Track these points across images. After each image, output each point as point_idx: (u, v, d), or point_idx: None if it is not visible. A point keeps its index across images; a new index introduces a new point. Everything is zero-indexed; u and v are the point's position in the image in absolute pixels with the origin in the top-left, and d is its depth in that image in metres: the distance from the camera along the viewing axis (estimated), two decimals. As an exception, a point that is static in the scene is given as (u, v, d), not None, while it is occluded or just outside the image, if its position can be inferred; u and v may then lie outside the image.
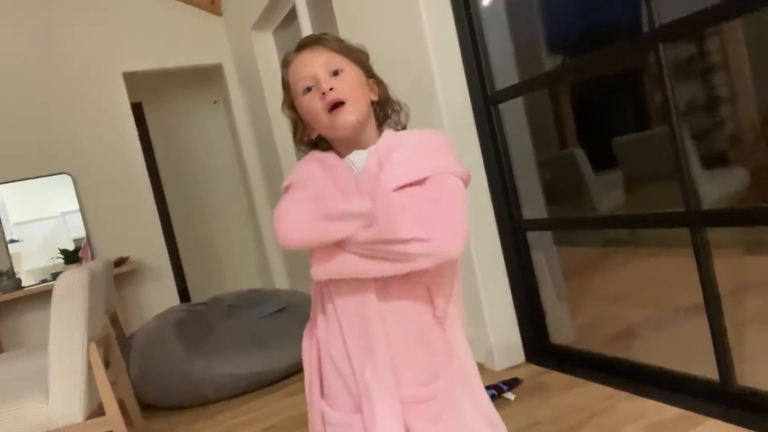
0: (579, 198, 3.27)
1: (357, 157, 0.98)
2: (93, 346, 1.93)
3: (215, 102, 5.13)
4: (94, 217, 3.99)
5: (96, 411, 2.00)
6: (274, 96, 4.07)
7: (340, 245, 0.89)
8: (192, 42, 4.36)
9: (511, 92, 2.16)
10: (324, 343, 0.99)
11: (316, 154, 1.01)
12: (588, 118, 3.29)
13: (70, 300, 1.87)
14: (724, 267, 1.73)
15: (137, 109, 4.42)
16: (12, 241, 3.81)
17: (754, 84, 2.61)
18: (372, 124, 1.01)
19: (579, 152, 3.32)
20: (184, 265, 5.05)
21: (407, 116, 1.05)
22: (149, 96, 4.91)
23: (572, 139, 3.42)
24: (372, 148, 0.98)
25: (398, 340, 0.93)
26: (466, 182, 0.95)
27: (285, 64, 1.01)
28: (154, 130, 5.01)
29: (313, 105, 0.95)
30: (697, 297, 2.38)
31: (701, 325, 2.18)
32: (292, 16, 3.70)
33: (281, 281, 4.61)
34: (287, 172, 4.04)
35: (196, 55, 4.39)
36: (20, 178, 3.81)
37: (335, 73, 0.95)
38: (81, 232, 3.96)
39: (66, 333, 1.86)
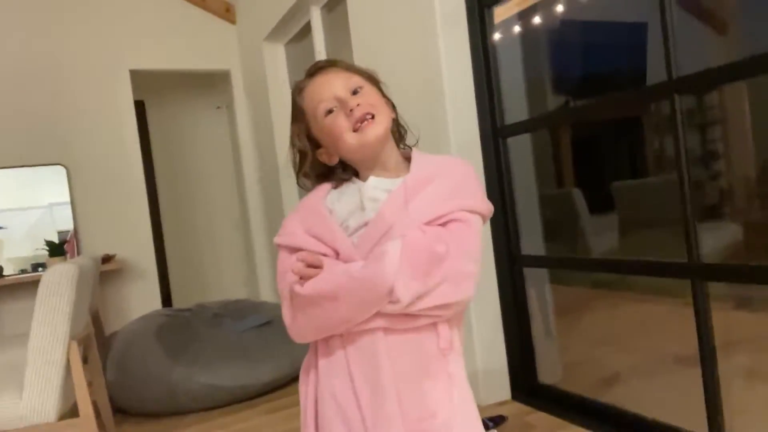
0: (573, 237, 3.29)
1: (378, 183, 0.96)
2: (74, 344, 1.88)
3: (218, 107, 5.12)
4: (84, 211, 3.93)
5: (69, 412, 1.94)
6: (280, 108, 4.06)
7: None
8: (202, 46, 4.36)
9: (520, 127, 2.17)
10: (325, 381, 0.95)
11: (305, 204, 1.00)
12: (588, 160, 3.32)
13: (56, 295, 1.82)
14: (714, 321, 1.73)
15: (139, 107, 4.39)
16: (-6, 228, 3.74)
17: (753, 141, 2.66)
18: (392, 141, 1.00)
19: (577, 192, 3.34)
20: (170, 269, 4.97)
21: (416, 138, 1.05)
22: (153, 95, 4.89)
23: (571, 178, 3.45)
24: (399, 181, 0.95)
25: (402, 372, 0.90)
26: (486, 217, 0.94)
27: (298, 91, 0.99)
28: (154, 130, 4.98)
29: (337, 125, 0.93)
30: (686, 348, 2.37)
31: (689, 377, 2.18)
32: (305, 30, 3.73)
33: (267, 293, 4.56)
34: (286, 187, 4.04)
35: (205, 60, 4.39)
36: (14, 165, 3.75)
37: (355, 92, 0.95)
38: (67, 225, 3.89)
39: (48, 329, 1.81)
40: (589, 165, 3.34)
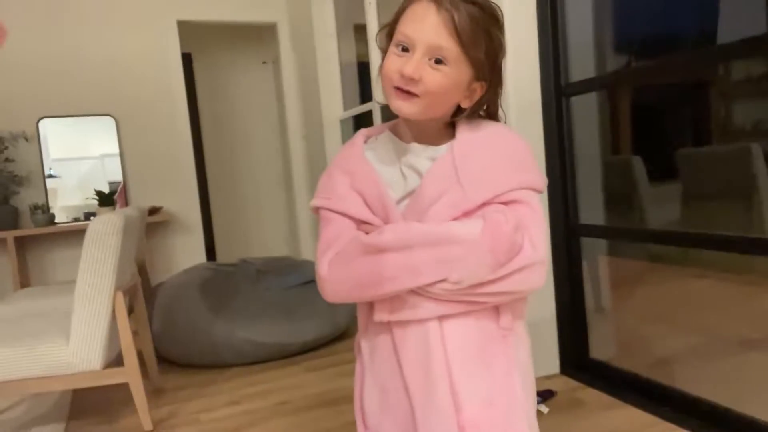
0: (631, 207, 3.11)
1: (422, 151, 0.85)
2: (120, 294, 1.88)
3: (264, 62, 5.04)
4: (132, 163, 3.97)
5: (114, 360, 1.96)
6: (327, 64, 3.95)
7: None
8: (249, -3, 4.26)
9: (588, 85, 2.00)
10: (370, 365, 0.88)
11: (346, 158, 0.90)
12: (650, 125, 3.11)
13: (102, 245, 1.81)
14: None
15: (186, 60, 4.34)
16: (50, 176, 3.82)
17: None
18: (442, 123, 0.87)
19: (637, 160, 3.15)
20: (214, 223, 5.02)
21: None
22: (199, 48, 4.84)
23: (631, 145, 3.25)
24: (444, 148, 0.84)
25: (458, 357, 0.81)
26: (541, 191, 0.84)
27: (409, 1, 0.82)
28: (201, 83, 4.95)
29: (390, 68, 0.81)
30: (753, 330, 2.22)
31: (754, 361, 2.03)
32: (356, -20, 3.56)
33: (308, 251, 4.55)
34: (330, 145, 3.96)
35: (253, 12, 4.29)
36: (65, 114, 3.79)
37: (438, 61, 0.78)
38: (117, 176, 3.94)
39: (94, 278, 1.81)
40: (651, 131, 3.13)
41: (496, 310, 0.84)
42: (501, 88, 0.86)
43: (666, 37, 2.78)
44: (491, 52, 0.81)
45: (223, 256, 4.90)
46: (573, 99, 2.06)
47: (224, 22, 4.26)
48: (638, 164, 3.25)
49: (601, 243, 2.34)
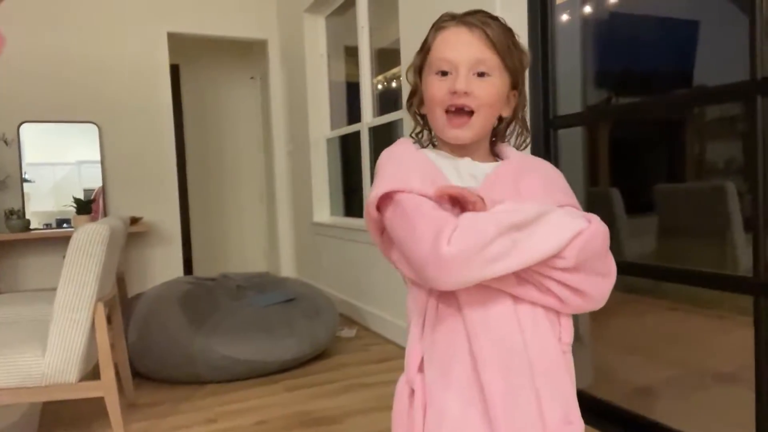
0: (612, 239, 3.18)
1: (473, 168, 0.86)
2: (100, 305, 1.85)
3: (252, 78, 5.05)
4: (113, 171, 3.92)
5: (90, 373, 1.91)
6: (316, 83, 3.98)
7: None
8: (242, 14, 4.28)
9: (574, 119, 2.06)
10: (433, 375, 0.81)
11: (413, 156, 0.86)
12: (628, 159, 3.20)
13: (87, 255, 1.78)
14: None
15: (173, 71, 4.34)
16: (25, 180, 3.74)
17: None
18: (486, 139, 0.90)
19: (615, 192, 3.23)
20: (193, 236, 4.97)
21: (527, 144, 0.93)
22: (188, 60, 4.84)
23: (611, 177, 3.33)
24: (498, 163, 0.87)
25: (538, 359, 0.78)
26: None
27: (438, 28, 0.87)
28: (187, 96, 4.94)
29: (437, 93, 0.83)
30: (727, 364, 2.28)
31: (727, 394, 2.09)
32: (348, 3, 3.63)
33: (287, 268, 4.53)
34: (316, 162, 3.98)
35: (244, 28, 4.32)
36: (48, 119, 3.74)
37: (481, 75, 0.82)
38: (93, 184, 3.89)
39: (76, 288, 1.78)
40: (629, 165, 3.22)
41: (558, 324, 0.81)
42: (524, 101, 0.90)
43: (647, 77, 2.89)
44: (520, 59, 0.87)
45: (200, 269, 4.84)
46: (561, 132, 2.12)
47: (215, 36, 4.27)
48: (616, 196, 3.34)
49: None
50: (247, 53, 4.96)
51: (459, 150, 0.88)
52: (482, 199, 0.76)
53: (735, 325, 2.59)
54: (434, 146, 0.93)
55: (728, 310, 2.66)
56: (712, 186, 2.91)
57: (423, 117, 0.93)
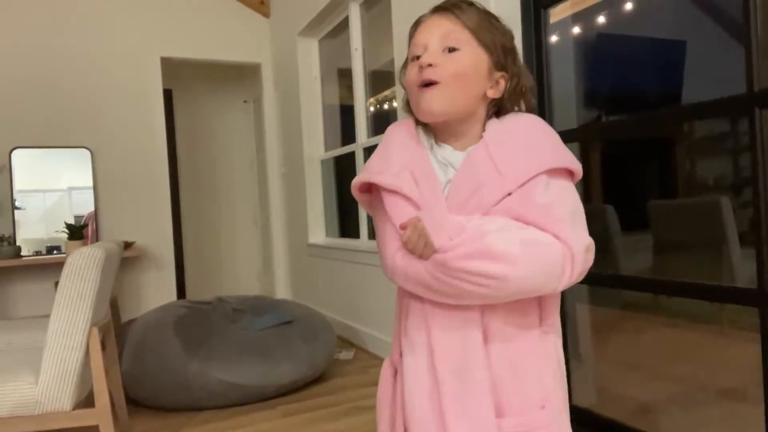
0: (605, 254, 3.18)
1: (451, 155, 0.86)
2: (95, 330, 1.80)
3: (245, 101, 5.07)
4: (106, 196, 3.89)
5: (83, 401, 1.86)
6: (310, 105, 4.00)
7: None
8: (235, 38, 4.32)
9: (569, 136, 2.07)
10: (402, 358, 0.86)
11: (399, 139, 0.89)
12: (621, 176, 3.22)
13: (81, 279, 1.74)
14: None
15: (167, 96, 4.35)
16: (15, 207, 3.70)
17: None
18: (475, 121, 0.87)
19: (610, 209, 3.24)
20: (186, 260, 4.92)
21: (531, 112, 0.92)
22: (181, 84, 4.86)
23: (603, 194, 3.36)
24: (475, 147, 0.85)
25: (503, 358, 0.80)
26: (576, 174, 0.84)
27: (415, 23, 0.90)
28: (180, 120, 4.94)
29: (410, 75, 0.85)
30: (727, 381, 2.26)
31: (736, 411, 2.06)
32: (341, 27, 3.66)
33: (282, 291, 4.48)
34: (311, 184, 3.96)
35: (237, 52, 4.34)
36: (40, 145, 3.71)
37: (450, 50, 0.82)
38: (83, 210, 3.85)
39: (70, 313, 1.74)
40: (623, 181, 3.24)
41: (538, 306, 0.83)
42: (527, 80, 0.88)
43: (636, 95, 2.93)
44: (499, 36, 0.85)
45: (194, 293, 4.78)
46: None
47: (209, 60, 4.29)
48: (611, 214, 3.35)
49: (579, 291, 2.37)
50: (240, 77, 4.98)
51: (443, 134, 0.88)
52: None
53: (735, 340, 2.58)
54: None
55: (727, 326, 2.65)
56: (707, 201, 2.93)
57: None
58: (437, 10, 0.86)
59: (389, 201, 0.83)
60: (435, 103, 0.82)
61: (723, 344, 2.65)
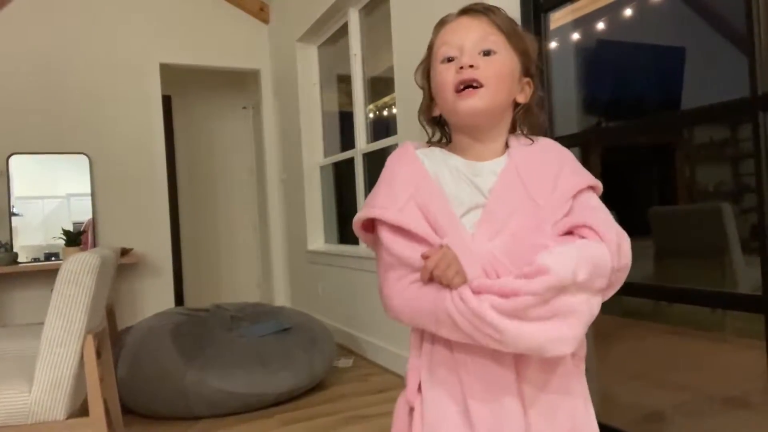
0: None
1: (475, 170, 0.85)
2: (90, 338, 1.78)
3: (244, 107, 5.06)
4: (104, 203, 3.87)
5: (78, 410, 1.83)
6: (309, 111, 3.99)
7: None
8: (234, 44, 4.31)
9: (571, 142, 2.05)
10: (427, 392, 0.82)
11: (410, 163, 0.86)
12: (620, 182, 3.21)
13: (76, 285, 1.72)
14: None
15: (165, 102, 4.34)
16: (13, 214, 3.68)
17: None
18: (504, 126, 0.88)
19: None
20: (184, 267, 4.89)
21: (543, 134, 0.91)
22: (180, 90, 4.85)
23: (607, 200, 3.34)
24: (503, 160, 0.85)
25: (537, 389, 0.77)
26: (598, 190, 0.85)
27: (440, 24, 0.89)
28: (179, 126, 4.93)
29: (445, 77, 0.83)
30: (732, 389, 2.23)
31: (741, 419, 2.03)
32: (340, 33, 3.66)
33: (281, 298, 4.45)
34: (310, 190, 3.95)
35: (236, 58, 4.34)
36: (38, 151, 3.70)
37: (486, 53, 0.83)
38: (82, 216, 3.83)
39: (65, 320, 1.71)
40: (623, 187, 3.23)
41: None
42: (538, 93, 0.89)
43: (638, 101, 2.92)
44: (528, 45, 0.87)
45: (192, 301, 4.75)
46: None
47: (207, 66, 4.29)
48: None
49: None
50: (239, 83, 4.97)
51: (473, 134, 0.86)
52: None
53: (737, 348, 2.55)
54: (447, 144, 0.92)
55: (729, 333, 2.63)
56: (708, 207, 2.91)
57: (434, 121, 0.92)
58: (467, 12, 0.86)
59: (391, 238, 0.80)
60: (479, 102, 0.82)
61: (726, 351, 2.63)
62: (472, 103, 0.82)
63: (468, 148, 0.87)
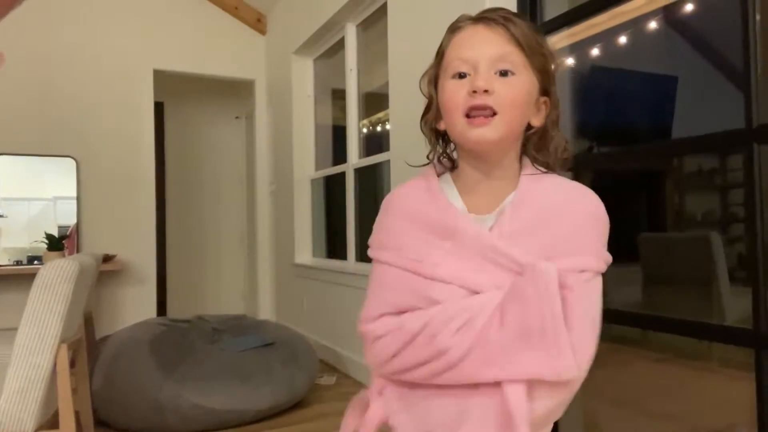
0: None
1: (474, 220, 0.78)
2: (64, 348, 1.72)
3: (237, 117, 5.03)
4: (89, 207, 3.80)
5: (48, 422, 1.76)
6: (302, 124, 3.97)
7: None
8: (230, 54, 4.30)
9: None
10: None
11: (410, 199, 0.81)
12: (615, 208, 3.21)
13: (51, 292, 1.67)
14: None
15: (158, 109, 4.30)
16: (-2, 215, 3.61)
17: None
18: (515, 153, 0.79)
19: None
20: (168, 276, 4.81)
21: (566, 160, 0.80)
22: (173, 98, 4.82)
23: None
24: (494, 216, 0.77)
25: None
26: (598, 271, 0.75)
27: (453, 29, 0.78)
28: (170, 134, 4.89)
29: (455, 96, 0.74)
30: (718, 418, 2.21)
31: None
32: (337, 47, 3.65)
33: (266, 311, 4.39)
34: (300, 202, 3.92)
35: (231, 67, 4.32)
36: (25, 152, 3.64)
37: (504, 74, 0.73)
38: (68, 221, 3.76)
39: (39, 328, 1.65)
40: (613, 212, 3.23)
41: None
42: (557, 110, 0.80)
43: (630, 127, 2.93)
44: (548, 61, 0.77)
45: (174, 311, 4.67)
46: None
47: (201, 75, 4.26)
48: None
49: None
50: (233, 93, 4.95)
51: (481, 164, 0.78)
52: None
53: (723, 378, 2.54)
54: (452, 168, 0.84)
55: (715, 363, 2.61)
56: (697, 236, 2.91)
57: (438, 134, 0.84)
58: (484, 20, 0.75)
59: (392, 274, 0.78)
60: (490, 134, 0.73)
61: (712, 381, 2.61)
62: (484, 133, 0.73)
63: (474, 187, 0.79)
